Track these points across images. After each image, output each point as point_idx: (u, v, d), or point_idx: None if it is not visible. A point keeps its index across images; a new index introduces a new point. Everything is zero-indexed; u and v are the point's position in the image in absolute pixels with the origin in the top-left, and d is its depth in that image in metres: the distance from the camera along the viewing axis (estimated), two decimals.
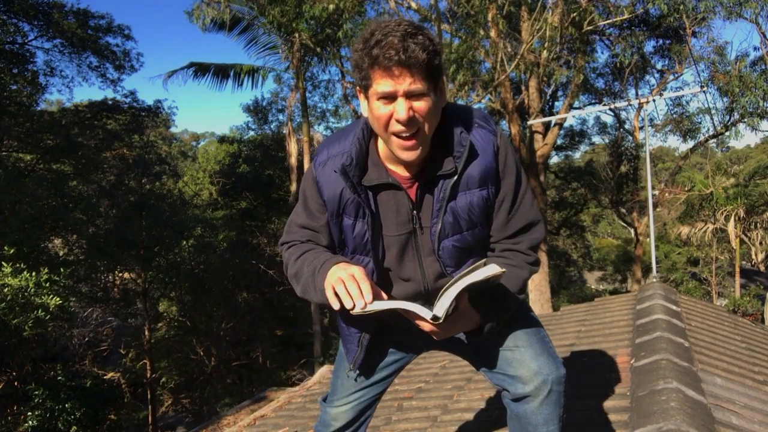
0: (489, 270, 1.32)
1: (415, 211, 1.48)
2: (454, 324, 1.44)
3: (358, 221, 1.48)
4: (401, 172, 1.47)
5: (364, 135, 1.46)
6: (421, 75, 1.29)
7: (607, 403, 2.41)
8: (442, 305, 1.32)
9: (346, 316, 1.64)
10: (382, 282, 1.55)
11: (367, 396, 1.77)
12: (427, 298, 1.57)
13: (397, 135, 1.34)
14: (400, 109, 1.30)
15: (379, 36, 1.27)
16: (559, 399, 1.51)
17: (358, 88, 1.41)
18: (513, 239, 1.53)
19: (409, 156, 1.37)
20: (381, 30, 1.28)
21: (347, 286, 1.32)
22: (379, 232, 1.50)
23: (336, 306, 1.34)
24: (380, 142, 1.46)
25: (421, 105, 1.31)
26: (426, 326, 1.39)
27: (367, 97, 1.36)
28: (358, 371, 1.73)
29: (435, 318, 1.32)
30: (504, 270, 1.32)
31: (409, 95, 1.30)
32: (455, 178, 1.43)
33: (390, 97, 1.31)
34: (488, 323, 1.50)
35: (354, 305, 1.31)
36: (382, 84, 1.30)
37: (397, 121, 1.31)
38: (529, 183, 1.57)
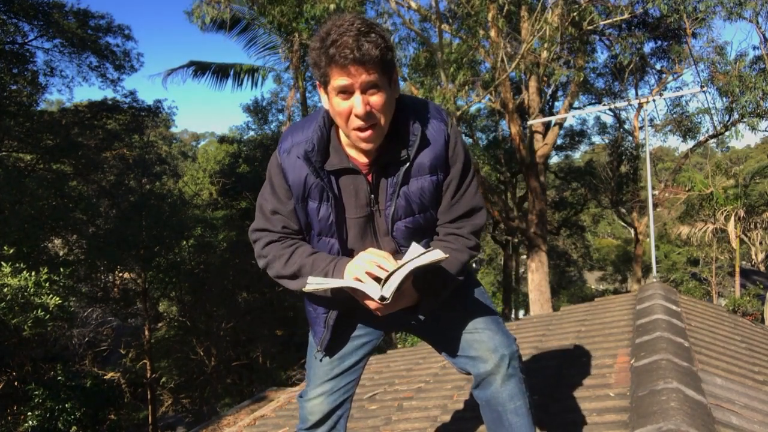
0: (434, 255, 1.44)
1: (372, 195, 1.58)
2: (396, 302, 1.52)
3: (323, 204, 1.57)
4: (360, 158, 1.57)
5: (325, 123, 1.56)
6: (375, 69, 1.38)
7: (607, 403, 2.42)
8: (390, 287, 1.41)
9: (314, 297, 1.73)
10: None
11: (339, 385, 1.81)
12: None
13: (357, 129, 1.45)
14: (358, 103, 1.40)
15: (334, 36, 1.36)
16: (517, 373, 1.65)
17: (318, 83, 1.50)
18: (456, 224, 1.65)
19: (367, 146, 1.49)
20: (336, 29, 1.37)
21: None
22: (343, 215, 1.60)
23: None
24: (341, 130, 1.56)
25: (376, 99, 1.42)
26: (371, 304, 1.48)
27: (326, 92, 1.47)
28: (324, 352, 1.78)
29: (382, 299, 1.41)
30: (447, 256, 1.45)
31: (365, 89, 1.40)
32: (408, 165, 1.54)
33: (347, 92, 1.41)
34: (425, 301, 1.60)
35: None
36: (339, 80, 1.39)
37: (356, 116, 1.42)
38: (476, 173, 1.70)
